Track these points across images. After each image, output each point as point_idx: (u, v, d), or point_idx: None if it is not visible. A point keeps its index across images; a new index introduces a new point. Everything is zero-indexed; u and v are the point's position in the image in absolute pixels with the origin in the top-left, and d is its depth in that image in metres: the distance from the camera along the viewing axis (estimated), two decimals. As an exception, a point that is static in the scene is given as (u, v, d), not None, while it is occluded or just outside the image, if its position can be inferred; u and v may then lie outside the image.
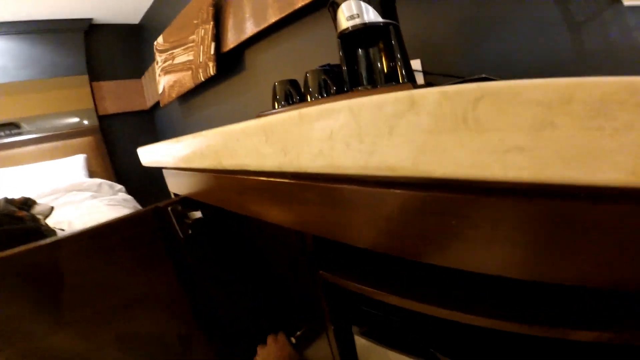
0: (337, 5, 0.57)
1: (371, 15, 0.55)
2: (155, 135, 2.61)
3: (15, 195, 1.39)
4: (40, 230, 1.14)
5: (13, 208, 1.15)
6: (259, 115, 0.78)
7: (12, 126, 2.26)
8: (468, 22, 0.70)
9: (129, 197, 1.79)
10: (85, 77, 2.30)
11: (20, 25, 2.19)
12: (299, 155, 0.31)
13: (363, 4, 0.55)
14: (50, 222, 1.31)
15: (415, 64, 0.74)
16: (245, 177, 0.45)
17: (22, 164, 2.07)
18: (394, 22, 0.57)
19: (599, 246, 0.17)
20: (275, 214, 0.43)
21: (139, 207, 1.74)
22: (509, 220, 0.20)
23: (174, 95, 1.77)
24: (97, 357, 0.63)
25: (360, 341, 0.59)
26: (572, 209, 0.17)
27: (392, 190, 0.27)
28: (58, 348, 0.58)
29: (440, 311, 0.35)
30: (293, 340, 0.63)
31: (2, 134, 2.23)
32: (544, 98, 0.15)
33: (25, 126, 2.26)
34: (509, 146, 0.16)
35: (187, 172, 0.64)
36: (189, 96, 1.78)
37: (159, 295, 0.70)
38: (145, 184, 2.22)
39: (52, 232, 1.17)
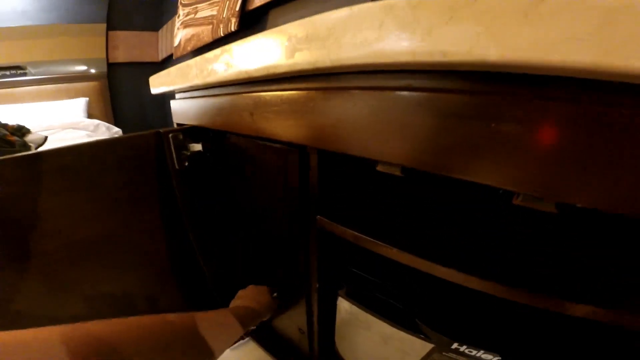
0: None
1: None
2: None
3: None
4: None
5: (4, 132, 1.09)
6: None
7: (17, 69, 2.21)
8: None
9: (126, 144, 1.74)
10: (103, 26, 2.23)
11: None
12: (340, 47, 0.29)
13: None
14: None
15: None
16: (264, 90, 0.41)
17: (23, 102, 2.02)
18: None
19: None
20: (289, 129, 0.38)
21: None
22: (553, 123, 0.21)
23: (189, 48, 1.72)
24: (64, 309, 0.58)
25: (342, 304, 0.55)
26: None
27: (435, 94, 0.25)
28: (22, 290, 0.52)
29: (438, 268, 0.34)
30: (275, 294, 0.59)
31: (7, 73, 2.17)
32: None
33: (31, 70, 2.20)
34: (569, 35, 0.17)
35: (198, 98, 0.59)
36: (204, 51, 1.73)
37: (136, 237, 0.64)
38: (144, 129, 2.21)
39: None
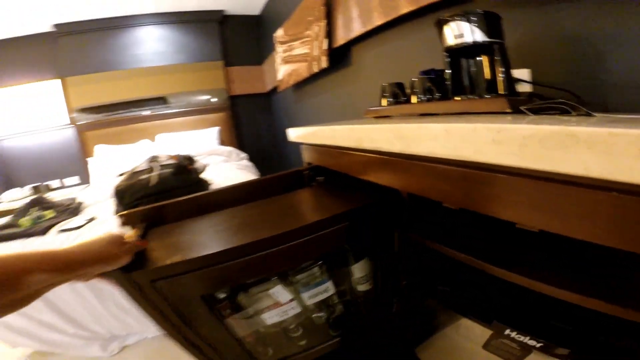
0: (444, 23, 0.64)
1: (476, 35, 0.60)
2: (270, 115, 3.12)
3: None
4: (202, 181, 1.61)
5: (186, 162, 1.64)
6: (369, 111, 1.02)
7: (161, 100, 2.96)
8: (585, 38, 0.71)
9: (250, 163, 2.27)
10: (220, 63, 2.86)
11: (173, 16, 2.83)
12: (417, 146, 0.53)
13: (468, 25, 0.60)
14: (202, 176, 1.80)
15: (523, 74, 0.76)
16: (372, 155, 0.69)
17: (172, 131, 2.75)
18: (498, 41, 0.61)
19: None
20: (390, 180, 0.64)
21: (257, 172, 2.19)
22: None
23: (290, 82, 2.13)
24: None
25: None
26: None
27: (462, 169, 0.50)
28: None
29: (518, 278, 0.46)
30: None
31: (160, 106, 2.95)
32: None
33: (171, 101, 2.94)
34: (509, 151, 0.36)
35: (322, 149, 0.92)
36: (302, 84, 2.12)
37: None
38: (259, 154, 2.79)
39: (207, 184, 1.64)
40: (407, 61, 1.30)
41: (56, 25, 2.63)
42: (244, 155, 2.38)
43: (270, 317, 0.77)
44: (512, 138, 0.33)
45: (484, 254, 0.53)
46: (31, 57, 2.68)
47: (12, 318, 1.33)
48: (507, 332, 0.58)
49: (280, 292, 0.75)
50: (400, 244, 0.78)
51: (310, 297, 0.78)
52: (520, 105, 0.52)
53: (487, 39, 0.60)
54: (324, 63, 1.73)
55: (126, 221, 0.88)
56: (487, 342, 0.63)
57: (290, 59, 2.13)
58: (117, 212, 1.53)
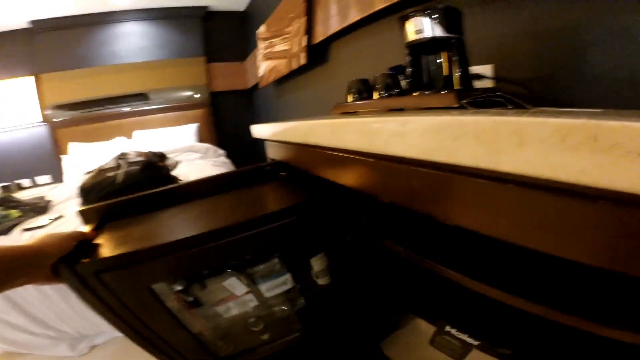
0: (406, 19, 0.65)
1: (436, 30, 0.60)
2: (252, 111, 3.06)
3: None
4: (171, 178, 1.57)
5: (156, 159, 1.59)
6: (336, 106, 0.99)
7: (142, 96, 2.87)
8: (548, 34, 0.70)
9: (227, 160, 2.22)
10: (203, 59, 2.80)
11: (156, 12, 2.75)
12: (344, 140, 0.51)
13: (428, 21, 0.60)
14: (174, 173, 1.76)
15: (485, 69, 0.77)
16: (316, 150, 0.65)
17: (150, 128, 2.68)
18: (457, 36, 0.61)
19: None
20: (330, 173, 0.62)
21: (232, 168, 2.15)
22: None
23: (271, 79, 2.09)
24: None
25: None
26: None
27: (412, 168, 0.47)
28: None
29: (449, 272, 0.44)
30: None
31: (140, 102, 2.86)
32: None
33: (152, 97, 2.86)
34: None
35: (283, 145, 0.90)
36: (282, 80, 2.08)
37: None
38: (239, 151, 2.72)
39: (177, 180, 1.60)
40: (381, 57, 1.29)
41: (32, 22, 2.53)
42: (221, 152, 2.33)
43: (227, 310, 0.76)
44: (414, 130, 0.31)
45: (421, 248, 0.52)
46: (5, 54, 2.57)
47: (-23, 319, 1.31)
48: (448, 329, 0.60)
49: (234, 284, 0.73)
50: (352, 239, 0.77)
51: (269, 289, 0.77)
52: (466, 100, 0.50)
53: (445, 34, 0.60)
54: (303, 60, 1.69)
55: (85, 218, 0.85)
56: (432, 339, 0.65)
57: (271, 55, 2.09)
58: (82, 209, 1.48)
